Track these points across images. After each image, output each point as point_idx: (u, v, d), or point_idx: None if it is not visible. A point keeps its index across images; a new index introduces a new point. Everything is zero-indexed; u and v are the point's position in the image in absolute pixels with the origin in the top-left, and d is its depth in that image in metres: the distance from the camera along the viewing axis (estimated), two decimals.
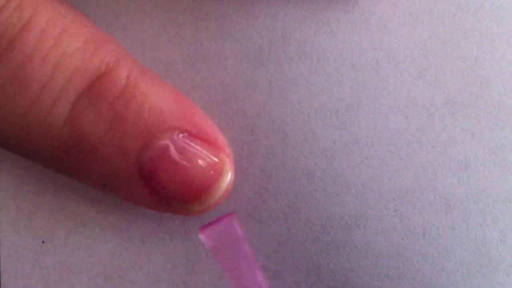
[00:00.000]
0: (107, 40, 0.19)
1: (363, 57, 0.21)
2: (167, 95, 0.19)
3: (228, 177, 0.20)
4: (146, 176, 0.19)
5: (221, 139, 0.20)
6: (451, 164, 0.21)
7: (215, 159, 0.19)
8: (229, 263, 0.20)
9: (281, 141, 0.21)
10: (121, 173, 0.19)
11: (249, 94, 0.21)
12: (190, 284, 0.21)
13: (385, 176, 0.21)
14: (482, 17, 0.21)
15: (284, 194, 0.21)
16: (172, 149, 0.19)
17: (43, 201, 0.21)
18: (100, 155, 0.18)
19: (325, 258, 0.21)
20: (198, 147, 0.19)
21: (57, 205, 0.21)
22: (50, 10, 0.18)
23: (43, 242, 0.21)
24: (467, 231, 0.21)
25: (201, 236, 0.20)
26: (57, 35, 0.18)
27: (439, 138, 0.21)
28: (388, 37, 0.21)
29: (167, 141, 0.19)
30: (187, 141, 0.19)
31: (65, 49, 0.18)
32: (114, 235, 0.21)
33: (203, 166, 0.19)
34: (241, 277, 0.20)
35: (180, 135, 0.19)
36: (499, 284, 0.21)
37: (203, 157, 0.19)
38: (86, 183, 0.20)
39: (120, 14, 0.21)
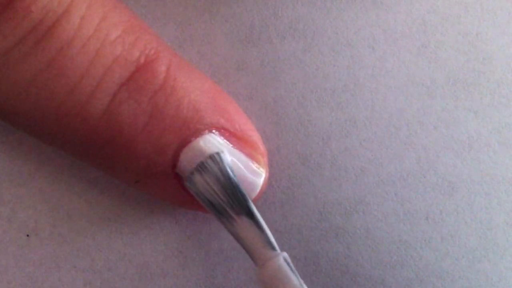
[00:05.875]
0: (145, 29, 0.19)
1: (359, 34, 0.21)
2: (205, 89, 0.19)
3: (262, 177, 0.20)
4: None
5: (255, 136, 0.20)
6: (454, 145, 0.21)
7: (248, 160, 0.20)
8: None
9: (275, 124, 0.21)
10: (156, 169, 0.19)
11: (240, 76, 0.21)
12: (182, 276, 0.21)
13: (384, 159, 0.21)
14: None
15: (279, 180, 0.21)
16: None
17: (27, 192, 0.21)
18: (136, 150, 0.18)
19: (324, 246, 0.21)
20: (233, 146, 0.19)
21: (42, 197, 0.21)
22: None
23: (27, 235, 0.21)
24: (472, 214, 0.21)
25: None
26: (97, 23, 0.18)
27: (441, 117, 0.21)
28: (385, 13, 0.21)
29: (203, 140, 0.19)
30: (223, 139, 0.19)
31: (105, 38, 0.18)
32: (102, 226, 0.21)
33: None
34: None
35: (217, 133, 0.19)
36: (506, 270, 0.21)
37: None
38: (117, 178, 0.20)
39: None
